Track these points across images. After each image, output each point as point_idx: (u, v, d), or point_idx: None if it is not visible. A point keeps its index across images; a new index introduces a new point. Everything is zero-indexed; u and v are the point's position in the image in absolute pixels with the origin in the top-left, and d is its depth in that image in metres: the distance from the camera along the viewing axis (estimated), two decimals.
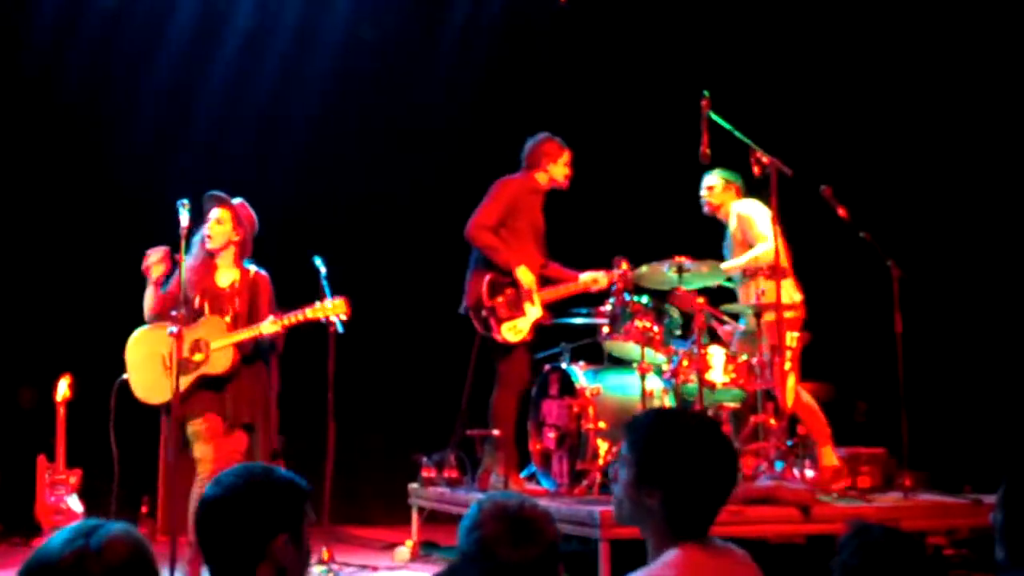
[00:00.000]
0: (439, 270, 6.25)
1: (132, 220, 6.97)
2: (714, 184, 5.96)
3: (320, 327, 5.05)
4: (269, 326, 4.80)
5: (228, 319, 4.86)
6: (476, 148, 6.51)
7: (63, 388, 6.05)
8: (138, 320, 6.71)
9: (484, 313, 5.59)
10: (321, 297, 4.97)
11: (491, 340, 5.62)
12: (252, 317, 4.88)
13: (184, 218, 4.86)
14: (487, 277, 5.61)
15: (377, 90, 7.94)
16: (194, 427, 4.77)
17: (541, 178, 5.85)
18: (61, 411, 6.01)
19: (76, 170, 7.33)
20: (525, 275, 5.62)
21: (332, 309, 4.90)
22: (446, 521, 6.09)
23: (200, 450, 4.75)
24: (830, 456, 5.63)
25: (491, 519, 2.11)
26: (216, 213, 4.94)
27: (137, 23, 7.50)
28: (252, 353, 4.89)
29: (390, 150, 7.91)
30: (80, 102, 7.40)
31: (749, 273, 5.73)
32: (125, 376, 4.89)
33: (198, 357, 4.75)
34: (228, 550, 2.01)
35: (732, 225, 5.91)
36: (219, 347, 4.77)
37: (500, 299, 5.60)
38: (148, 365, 4.81)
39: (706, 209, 6.02)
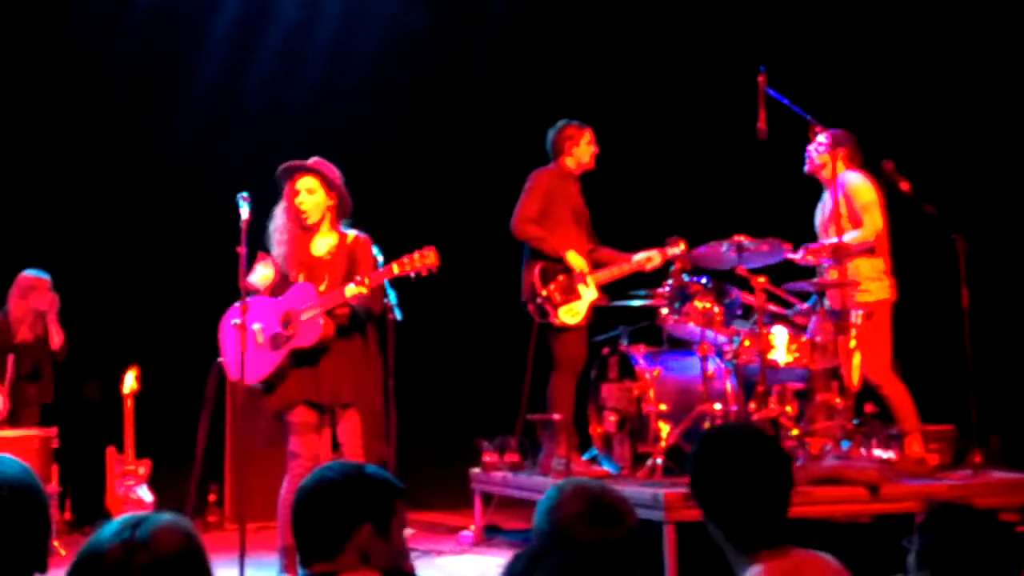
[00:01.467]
0: (500, 258, 6.25)
1: (192, 213, 7.09)
2: (825, 141, 5.62)
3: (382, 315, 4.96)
4: (353, 289, 4.40)
5: (322, 287, 4.54)
6: (533, 133, 6.49)
7: (130, 380, 6.16)
8: (203, 312, 6.85)
9: (539, 300, 5.61)
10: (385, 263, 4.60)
11: (549, 326, 5.62)
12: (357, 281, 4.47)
13: (244, 211, 4.89)
14: (538, 266, 5.65)
15: (427, 75, 7.95)
16: (289, 417, 4.53)
17: (569, 163, 5.88)
18: (128, 403, 6.12)
19: (132, 162, 7.45)
20: (575, 259, 5.63)
21: (421, 261, 4.45)
22: (509, 505, 6.13)
23: (295, 443, 4.50)
24: (915, 445, 5.49)
25: (573, 501, 2.13)
26: (304, 183, 4.60)
27: (183, 15, 7.59)
28: (349, 324, 4.56)
29: (446, 137, 7.93)
30: (128, 100, 7.52)
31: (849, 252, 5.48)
32: (220, 359, 4.83)
33: (288, 330, 4.50)
34: (315, 535, 2.13)
35: (838, 193, 5.55)
36: (307, 318, 4.49)
37: (553, 286, 5.61)
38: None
39: (807, 167, 5.75)
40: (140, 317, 7.12)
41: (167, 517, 1.66)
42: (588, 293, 5.65)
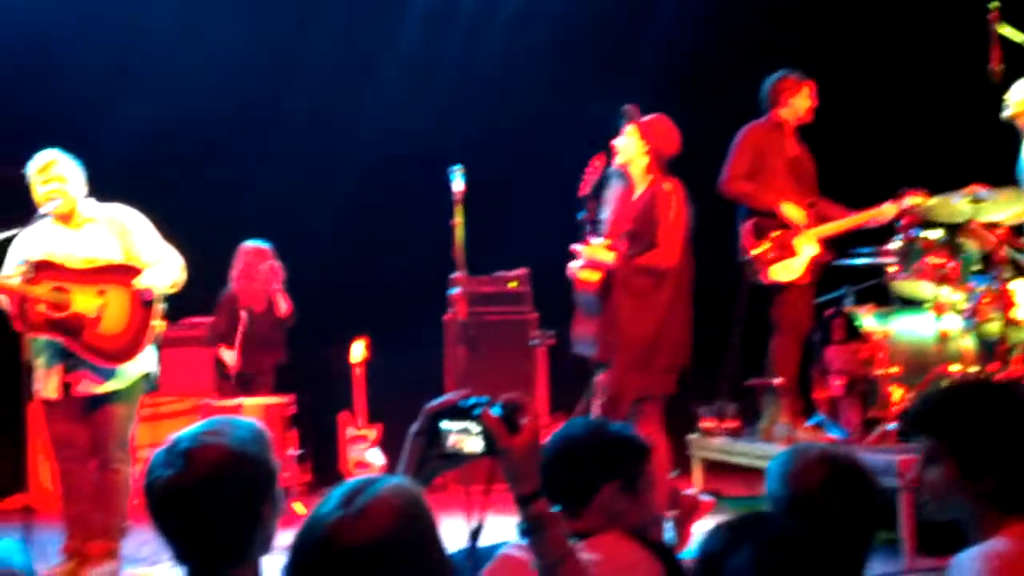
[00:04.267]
0: (709, 218, 6.11)
1: (412, 184, 7.28)
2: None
3: None
4: (601, 253, 4.74)
5: (623, 237, 4.75)
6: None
7: (360, 350, 6.45)
8: (423, 283, 7.07)
9: (752, 258, 5.43)
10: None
11: (764, 285, 5.43)
12: (645, 235, 4.71)
13: (457, 183, 5.02)
14: (751, 222, 5.46)
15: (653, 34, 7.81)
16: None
17: (785, 114, 5.62)
18: (358, 371, 6.42)
19: (353, 139, 7.72)
20: (791, 210, 5.40)
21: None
22: (728, 471, 6.02)
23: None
24: None
25: (816, 468, 2.05)
26: (624, 129, 4.85)
27: None
28: (638, 282, 4.74)
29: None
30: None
31: None
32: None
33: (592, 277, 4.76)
34: (561, 492, 2.11)
35: None
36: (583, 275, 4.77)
37: (767, 241, 5.41)
38: None
39: (1004, 113, 5.33)
40: (368, 288, 7.42)
41: (389, 486, 1.60)
42: (807, 248, 5.41)
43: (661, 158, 4.80)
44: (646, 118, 4.86)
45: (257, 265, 6.57)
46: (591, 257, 4.80)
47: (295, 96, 7.75)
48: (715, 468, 6.03)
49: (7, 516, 6.08)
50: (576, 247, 4.86)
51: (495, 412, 1.86)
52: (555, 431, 2.31)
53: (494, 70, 7.80)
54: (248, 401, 6.15)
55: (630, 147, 4.82)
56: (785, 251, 5.40)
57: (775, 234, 5.42)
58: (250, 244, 6.62)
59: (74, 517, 4.73)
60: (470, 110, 7.65)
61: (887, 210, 5.41)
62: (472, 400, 1.91)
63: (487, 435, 1.86)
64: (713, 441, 5.85)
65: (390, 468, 6.12)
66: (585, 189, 4.85)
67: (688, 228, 4.79)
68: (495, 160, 6.90)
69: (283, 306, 6.60)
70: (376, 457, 6.42)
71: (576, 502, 2.15)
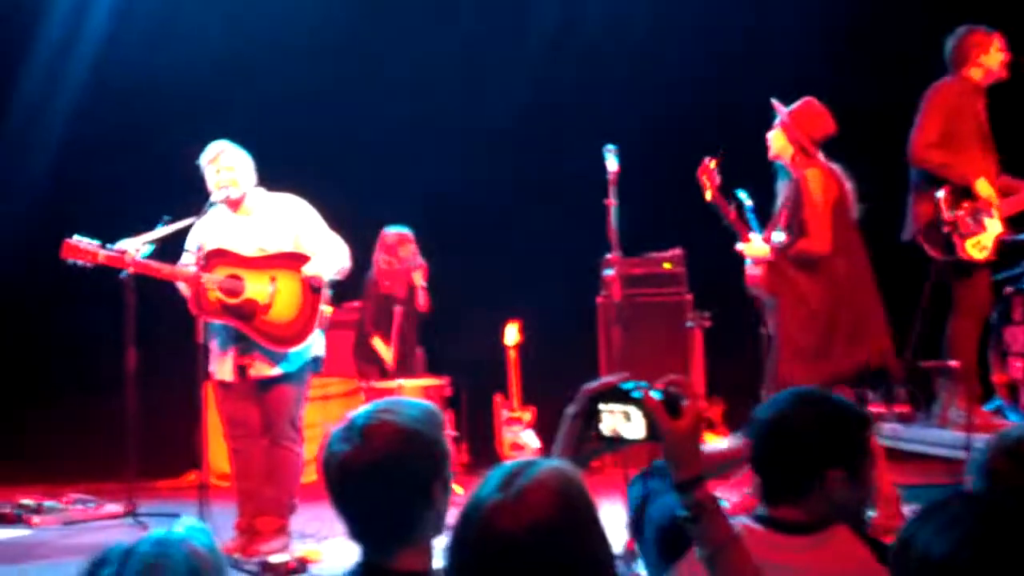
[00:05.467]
0: (876, 194, 5.84)
1: (564, 165, 7.23)
2: None
3: None
4: (758, 248, 4.72)
5: (777, 230, 4.74)
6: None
7: (513, 333, 6.48)
8: (575, 265, 7.04)
9: (945, 229, 5.08)
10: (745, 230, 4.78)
11: (951, 261, 5.13)
12: (795, 225, 4.65)
13: (612, 163, 4.97)
14: (943, 191, 5.11)
15: None
16: None
17: (975, 73, 5.23)
18: (512, 354, 6.45)
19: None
20: (984, 187, 5.08)
21: None
22: (897, 458, 5.78)
23: None
24: None
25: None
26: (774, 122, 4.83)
27: None
28: (792, 274, 4.69)
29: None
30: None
31: None
32: None
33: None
34: (778, 479, 2.02)
35: None
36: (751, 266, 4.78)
37: (960, 212, 5.08)
38: None
39: None
40: (521, 270, 7.45)
41: (548, 468, 1.58)
42: (994, 226, 5.09)
43: (814, 143, 4.69)
44: (791, 107, 4.76)
45: (398, 250, 6.63)
46: (751, 254, 4.78)
47: (445, 80, 7.81)
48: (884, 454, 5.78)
49: (183, 493, 6.40)
50: (738, 246, 4.82)
51: (656, 396, 1.81)
52: (763, 404, 2.12)
53: (649, 48, 7.66)
54: (407, 383, 6.27)
55: (778, 139, 4.76)
56: (977, 227, 5.09)
57: (966, 205, 5.09)
58: (391, 229, 6.68)
59: (246, 494, 4.92)
60: (622, 87, 7.56)
61: None
62: (632, 383, 1.86)
63: (648, 419, 1.81)
64: (884, 426, 5.61)
65: (545, 450, 6.17)
66: (710, 195, 4.75)
67: (842, 212, 4.63)
68: (649, 138, 6.78)
69: (421, 299, 6.63)
70: (531, 439, 6.44)
71: (794, 490, 2.00)
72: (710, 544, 1.79)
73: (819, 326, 4.57)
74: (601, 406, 1.86)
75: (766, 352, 4.83)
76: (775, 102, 4.79)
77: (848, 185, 4.68)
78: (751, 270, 4.80)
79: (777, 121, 4.77)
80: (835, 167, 4.70)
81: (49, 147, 7.83)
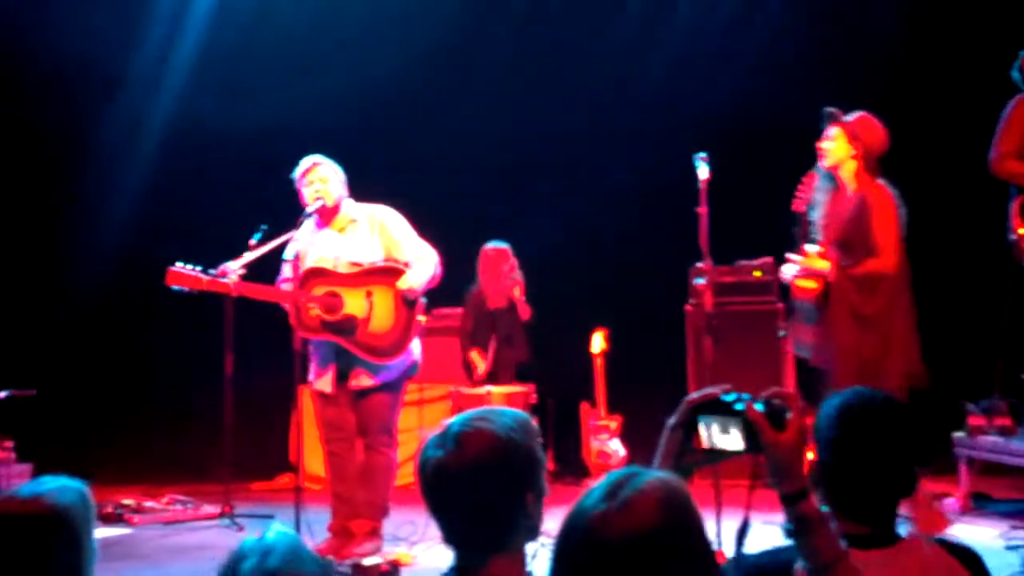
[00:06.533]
0: (975, 200, 5.71)
1: (653, 173, 7.20)
2: None
3: None
4: (817, 262, 4.70)
5: (835, 245, 4.72)
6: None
7: (599, 341, 6.47)
8: (663, 273, 7.00)
9: (1015, 238, 5.04)
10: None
11: None
12: (858, 243, 4.67)
13: (703, 171, 4.95)
14: (1018, 201, 5.06)
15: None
16: None
17: None
18: (598, 362, 6.44)
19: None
20: None
21: None
22: (998, 473, 5.63)
23: None
24: None
25: None
26: (829, 132, 4.81)
27: None
28: (854, 296, 4.69)
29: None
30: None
31: None
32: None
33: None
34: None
35: None
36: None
37: None
38: None
39: None
40: (608, 278, 7.44)
41: (653, 479, 1.56)
42: None
43: (871, 158, 4.69)
44: (851, 117, 4.74)
45: (500, 265, 6.93)
46: (806, 266, 4.75)
47: (533, 89, 7.86)
48: (984, 469, 5.63)
49: (277, 495, 6.54)
50: (791, 255, 4.83)
51: (759, 408, 1.79)
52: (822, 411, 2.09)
53: (733, 55, 7.60)
54: (495, 389, 6.33)
55: (839, 149, 4.72)
56: None
57: None
58: (491, 246, 6.99)
59: (340, 497, 5.02)
60: (713, 94, 7.52)
61: None
62: (733, 395, 1.83)
63: (749, 432, 1.78)
64: (982, 440, 5.47)
65: (630, 459, 6.14)
66: (800, 206, 4.80)
67: (902, 231, 4.67)
68: (739, 146, 6.73)
69: (522, 310, 6.93)
70: (617, 447, 6.42)
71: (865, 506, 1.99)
72: (816, 560, 1.76)
73: (879, 352, 4.59)
74: (702, 417, 1.85)
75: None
76: (833, 110, 4.77)
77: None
78: (801, 282, 4.78)
79: (835, 131, 4.74)
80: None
81: (145, 170, 7.98)
